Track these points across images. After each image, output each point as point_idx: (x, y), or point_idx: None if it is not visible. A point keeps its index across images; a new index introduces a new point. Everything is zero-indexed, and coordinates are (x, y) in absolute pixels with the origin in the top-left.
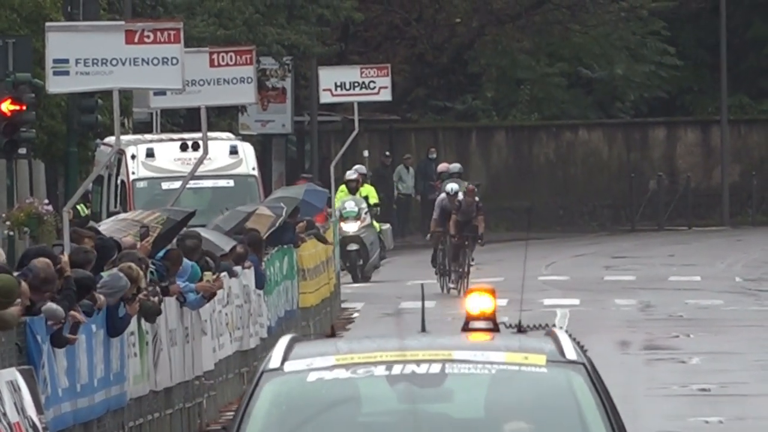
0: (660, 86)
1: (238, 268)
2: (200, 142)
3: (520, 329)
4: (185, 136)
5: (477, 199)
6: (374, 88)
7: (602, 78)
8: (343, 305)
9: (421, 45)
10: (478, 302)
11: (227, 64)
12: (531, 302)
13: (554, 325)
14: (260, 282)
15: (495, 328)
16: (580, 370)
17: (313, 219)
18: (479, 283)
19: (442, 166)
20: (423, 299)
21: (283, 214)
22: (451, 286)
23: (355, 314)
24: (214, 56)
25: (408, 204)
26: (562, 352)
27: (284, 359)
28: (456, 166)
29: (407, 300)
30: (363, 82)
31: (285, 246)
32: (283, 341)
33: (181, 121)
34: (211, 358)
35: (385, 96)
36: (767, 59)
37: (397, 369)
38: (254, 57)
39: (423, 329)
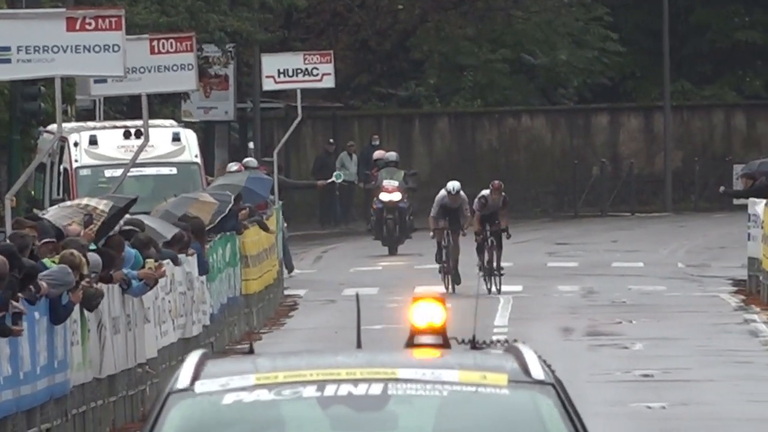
0: (603, 72)
1: (181, 256)
2: (142, 130)
3: (475, 345)
4: (128, 123)
5: (504, 194)
6: (317, 74)
7: (545, 64)
8: (286, 292)
9: (363, 31)
10: (424, 313)
11: (167, 51)
12: (472, 289)
13: (515, 340)
14: (203, 269)
15: (445, 344)
16: (548, 392)
17: (255, 206)
18: (426, 287)
19: (378, 154)
20: (359, 312)
21: (231, 200)
22: (480, 273)
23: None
24: (155, 43)
25: (351, 191)
26: (526, 371)
27: (194, 378)
28: (392, 155)
29: (350, 287)
30: (306, 69)
31: (228, 233)
32: (193, 357)
33: (124, 108)
34: (154, 346)
35: (328, 83)
36: (709, 45)
37: (330, 389)
38: (194, 43)
39: (359, 345)
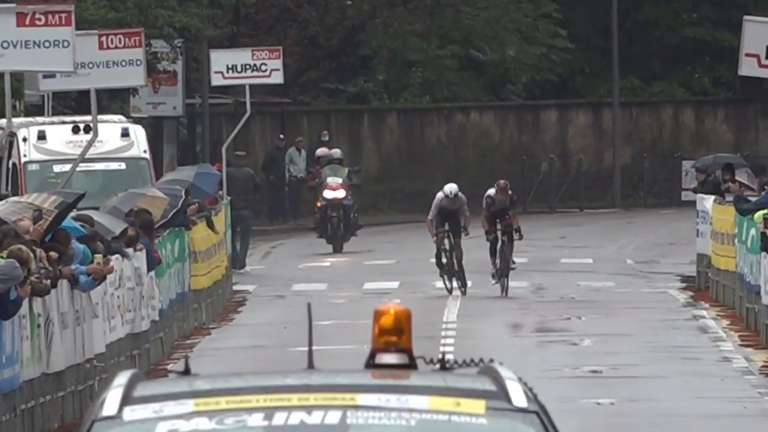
0: (552, 69)
1: (129, 251)
2: (91, 125)
3: (445, 365)
4: (77, 118)
5: (510, 192)
6: (266, 70)
7: (494, 60)
8: (235, 288)
9: (312, 27)
10: (386, 327)
11: (116, 47)
12: (423, 285)
13: (492, 360)
14: (152, 264)
15: (411, 364)
16: (531, 421)
17: (203, 201)
18: (383, 299)
19: (322, 151)
20: (310, 327)
21: (182, 194)
22: (493, 282)
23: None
24: (103, 39)
25: (300, 187)
26: (506, 397)
27: (123, 403)
28: (336, 152)
29: (299, 282)
30: (254, 65)
31: (177, 228)
32: (121, 378)
33: (73, 103)
34: (103, 341)
35: (277, 78)
36: (658, 42)
37: (279, 418)
38: (143, 39)
39: (311, 365)
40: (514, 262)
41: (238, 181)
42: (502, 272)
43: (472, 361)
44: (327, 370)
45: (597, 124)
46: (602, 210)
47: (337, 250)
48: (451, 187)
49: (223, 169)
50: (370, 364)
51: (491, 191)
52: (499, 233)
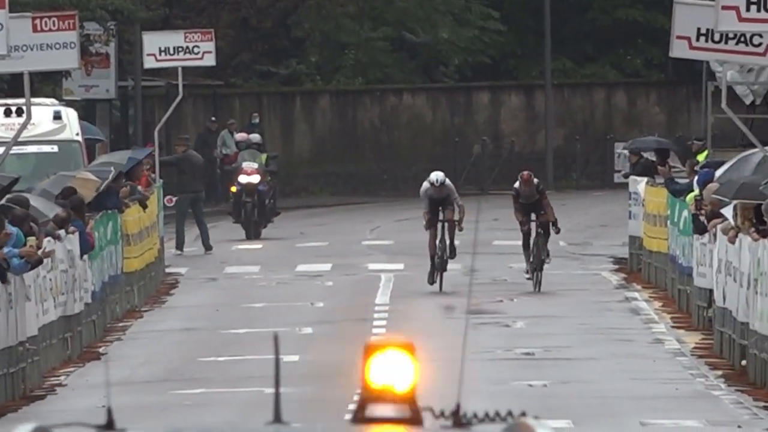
0: (484, 51)
1: (62, 233)
2: (24, 108)
3: (461, 420)
4: (9, 101)
5: (536, 181)
6: (198, 53)
7: (426, 42)
8: (167, 270)
9: (245, 9)
10: (383, 368)
11: (50, 29)
12: (356, 267)
13: (524, 414)
14: (86, 247)
15: (414, 419)
16: None
17: (137, 183)
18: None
19: (240, 136)
20: (277, 367)
21: (110, 176)
22: (526, 276)
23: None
24: (37, 21)
25: (232, 169)
26: None
27: None
28: (255, 137)
29: (231, 265)
30: (187, 47)
31: (109, 211)
32: None
33: (5, 86)
34: (35, 324)
35: (209, 61)
36: (590, 24)
37: None
38: (77, 22)
39: (277, 418)
40: (548, 256)
41: (190, 164)
42: (535, 266)
43: (496, 414)
44: (299, 426)
45: (529, 106)
46: None
47: (251, 236)
48: (437, 175)
49: (156, 148)
50: (360, 418)
51: (516, 184)
52: (533, 225)
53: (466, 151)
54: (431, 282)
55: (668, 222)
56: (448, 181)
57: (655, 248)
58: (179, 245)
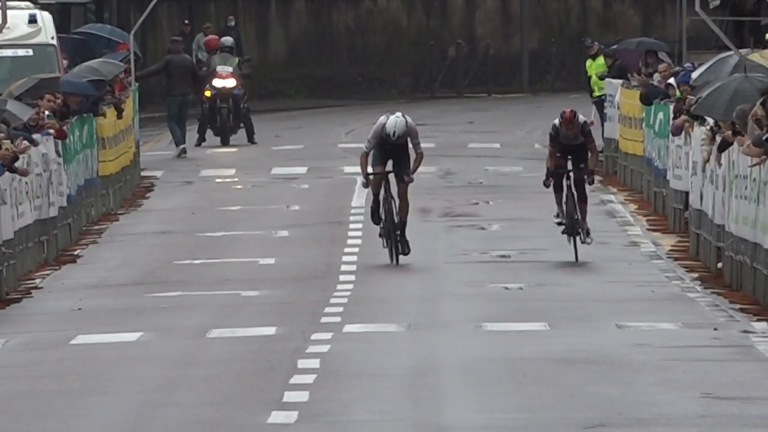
0: None
1: (37, 136)
2: None
3: None
4: None
5: (582, 119)
6: None
7: None
8: (143, 173)
9: None
10: None
11: None
12: (331, 170)
13: None
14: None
15: None
16: None
17: (114, 89)
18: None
19: (210, 40)
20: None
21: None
22: (555, 221)
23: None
24: None
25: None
26: None
27: None
28: (228, 39)
29: (207, 168)
30: None
31: (85, 115)
32: None
33: None
34: (11, 227)
35: None
36: None
37: None
38: None
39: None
40: (589, 235)
41: (178, 67)
42: (571, 229)
43: None
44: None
45: (505, 9)
46: (510, 95)
47: (225, 143)
48: (395, 124)
49: (131, 49)
50: None
51: (556, 121)
52: (566, 174)
53: (441, 54)
54: (394, 261)
55: (644, 124)
56: (410, 121)
57: (630, 150)
58: (178, 142)
